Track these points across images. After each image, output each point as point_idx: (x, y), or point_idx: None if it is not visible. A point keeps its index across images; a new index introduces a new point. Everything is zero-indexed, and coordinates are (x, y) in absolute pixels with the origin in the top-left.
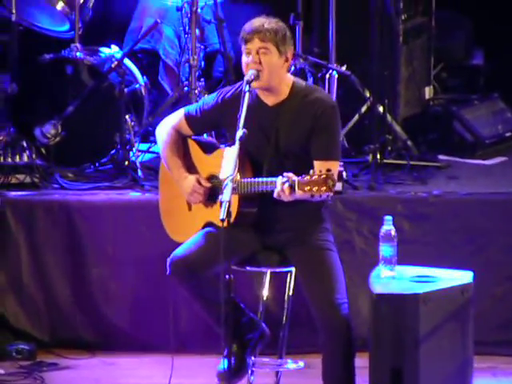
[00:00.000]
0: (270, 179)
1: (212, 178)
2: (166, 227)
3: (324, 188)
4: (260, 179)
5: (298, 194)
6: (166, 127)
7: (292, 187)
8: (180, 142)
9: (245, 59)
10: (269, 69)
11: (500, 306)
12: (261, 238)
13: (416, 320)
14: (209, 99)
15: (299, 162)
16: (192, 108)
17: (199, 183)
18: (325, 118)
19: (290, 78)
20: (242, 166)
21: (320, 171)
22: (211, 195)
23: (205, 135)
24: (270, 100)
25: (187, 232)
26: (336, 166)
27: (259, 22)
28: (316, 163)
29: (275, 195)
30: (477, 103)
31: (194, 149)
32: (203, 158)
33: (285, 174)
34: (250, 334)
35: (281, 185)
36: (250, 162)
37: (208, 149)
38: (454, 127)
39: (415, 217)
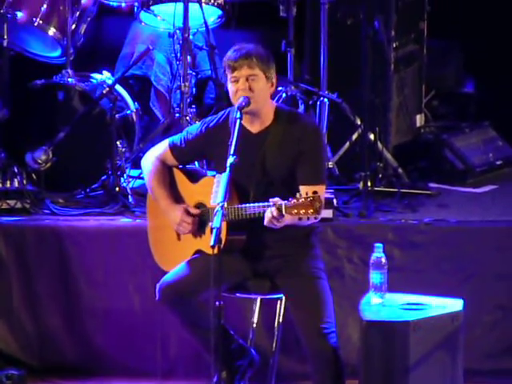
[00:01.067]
0: (255, 204)
1: (199, 206)
2: (155, 256)
3: (311, 210)
4: (246, 205)
5: (286, 218)
6: (151, 158)
7: (280, 211)
8: (166, 171)
9: (232, 87)
10: (259, 95)
11: (490, 335)
12: (251, 265)
13: (406, 348)
14: (192, 129)
15: (285, 187)
16: (176, 138)
17: (187, 213)
18: (309, 143)
19: (273, 104)
20: (228, 193)
21: (306, 193)
22: (200, 224)
23: (196, 164)
24: (254, 127)
25: (176, 261)
26: (322, 190)
27: (242, 49)
28: (302, 188)
29: (266, 223)
30: (468, 131)
31: (180, 178)
32: (189, 186)
33: (271, 199)
34: (239, 360)
35: (269, 211)
36: (236, 190)
37: (194, 177)
38: (445, 155)
39: (405, 244)
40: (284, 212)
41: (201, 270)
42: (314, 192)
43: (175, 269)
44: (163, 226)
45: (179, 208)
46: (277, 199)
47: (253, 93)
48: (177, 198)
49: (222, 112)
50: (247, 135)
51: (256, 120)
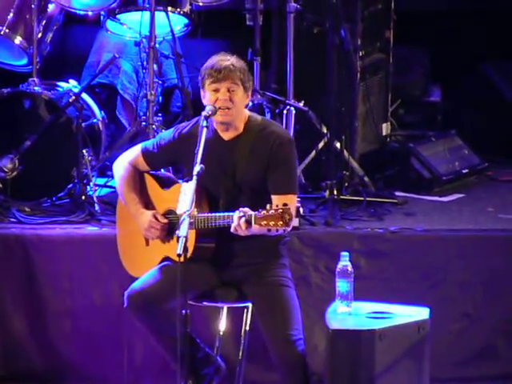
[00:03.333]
0: (226, 214)
1: (169, 212)
2: (124, 262)
3: (280, 222)
4: (217, 214)
5: (255, 228)
6: (123, 162)
7: (249, 222)
8: (137, 177)
9: (211, 96)
10: (237, 106)
11: (456, 343)
12: (218, 273)
13: (372, 356)
14: (165, 135)
15: (256, 196)
16: (149, 143)
17: (156, 219)
18: (281, 152)
19: (246, 113)
20: (198, 200)
21: (276, 206)
22: (168, 230)
23: (162, 170)
24: (226, 135)
25: (145, 267)
26: (293, 200)
27: (226, 60)
28: (274, 197)
29: (232, 230)
30: (434, 140)
31: (151, 184)
32: (160, 192)
33: (241, 209)
34: (205, 369)
35: (237, 219)
36: (206, 197)
37: (165, 184)
38: (411, 163)
39: (372, 253)
40: (253, 223)
41: (168, 279)
42: (285, 204)
43: (143, 276)
44: (132, 232)
45: (148, 214)
46: (246, 209)
47: (232, 104)
48: (147, 204)
49: (195, 119)
50: (219, 142)
51: (229, 128)
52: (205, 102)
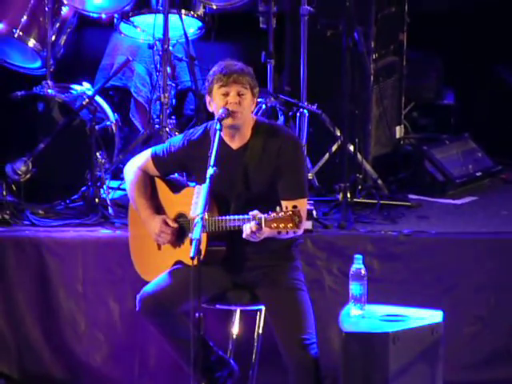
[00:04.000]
0: (238, 216)
1: (180, 216)
2: (136, 266)
3: (290, 225)
4: (226, 217)
5: (266, 231)
6: (133, 167)
7: (259, 225)
8: (147, 181)
9: (220, 101)
10: (246, 110)
11: (470, 346)
12: (231, 276)
13: (385, 359)
14: (175, 141)
15: (266, 200)
16: (159, 149)
17: (166, 224)
18: (289, 155)
19: (253, 118)
20: (209, 205)
21: (286, 208)
22: (179, 234)
23: (176, 175)
24: (234, 143)
25: (157, 271)
26: (304, 204)
27: (235, 65)
28: (283, 203)
29: (245, 236)
30: (447, 143)
31: (162, 188)
32: (171, 197)
33: (250, 212)
34: (218, 372)
35: (248, 225)
36: (216, 202)
37: (176, 188)
38: (425, 166)
39: (385, 256)
40: (263, 226)
41: (181, 282)
42: (294, 206)
43: (156, 280)
44: (144, 236)
45: (158, 219)
46: (256, 212)
47: (242, 108)
48: (158, 208)
49: (203, 126)
50: (228, 151)
51: (237, 135)
52: (211, 108)
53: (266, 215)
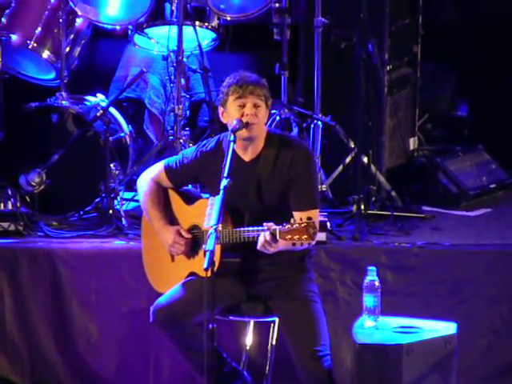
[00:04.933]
0: (252, 228)
1: (194, 228)
2: (150, 278)
3: (305, 236)
4: (240, 228)
5: (281, 243)
6: (147, 179)
7: (274, 236)
8: (161, 193)
9: (236, 113)
10: (261, 121)
11: (483, 358)
12: (245, 288)
13: (399, 371)
14: (188, 153)
15: (279, 212)
16: (172, 161)
17: (180, 235)
18: (301, 166)
19: (265, 129)
20: (223, 216)
21: (301, 219)
22: (193, 246)
23: (190, 186)
24: (247, 155)
25: (170, 283)
26: (315, 215)
27: (250, 76)
28: (295, 214)
29: (259, 247)
30: (461, 154)
31: (175, 199)
32: (184, 208)
33: (265, 224)
34: (232, 383)
35: (263, 236)
36: (230, 213)
37: (189, 199)
38: (439, 178)
39: (399, 267)
40: (278, 237)
41: (195, 293)
42: (309, 218)
43: (169, 291)
44: (157, 247)
45: (172, 229)
46: (271, 224)
47: (258, 119)
48: (171, 220)
49: (216, 137)
50: (240, 163)
51: (249, 147)
52: (225, 119)
53: (280, 227)
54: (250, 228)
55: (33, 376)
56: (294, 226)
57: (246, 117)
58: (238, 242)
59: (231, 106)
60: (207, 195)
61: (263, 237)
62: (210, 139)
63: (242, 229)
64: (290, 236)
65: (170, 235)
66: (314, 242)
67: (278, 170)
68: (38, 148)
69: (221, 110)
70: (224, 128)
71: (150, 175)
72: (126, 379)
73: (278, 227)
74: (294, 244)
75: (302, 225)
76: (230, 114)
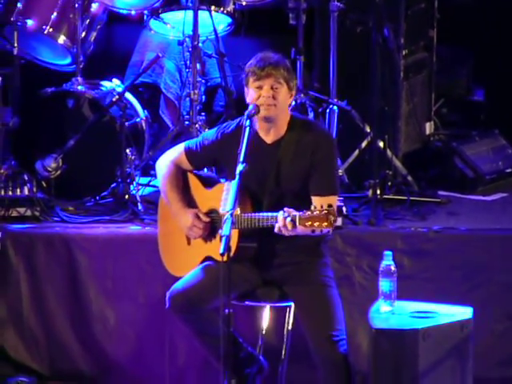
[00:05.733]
0: (270, 214)
1: (212, 212)
2: (165, 262)
3: (325, 223)
4: (260, 214)
5: (299, 229)
6: (166, 161)
7: (293, 222)
8: (180, 175)
9: (254, 94)
10: (281, 104)
11: (500, 343)
12: (260, 273)
13: (415, 355)
14: (209, 134)
15: (299, 197)
16: (192, 143)
17: (198, 218)
18: (323, 151)
19: (288, 113)
20: (242, 201)
21: (321, 206)
22: (211, 229)
23: (205, 169)
24: (269, 137)
25: (186, 267)
26: (334, 201)
27: (270, 58)
28: (314, 199)
29: (276, 230)
30: (477, 139)
31: (194, 183)
32: (203, 192)
33: (285, 209)
34: (248, 368)
35: (282, 220)
36: (250, 198)
37: (208, 183)
38: (455, 163)
39: (415, 252)
40: (298, 224)
41: (211, 279)
42: (329, 205)
43: (185, 277)
44: (174, 231)
45: (191, 212)
46: (291, 210)
47: (276, 101)
48: (190, 203)
49: (237, 120)
50: (262, 145)
51: (272, 129)
52: (248, 99)
53: (300, 213)
54: (270, 214)
55: (50, 362)
56: (315, 213)
57: (261, 99)
58: (256, 227)
59: (251, 87)
60: (225, 180)
61: (282, 221)
62: (231, 121)
63: (260, 215)
64: (310, 223)
65: (189, 218)
66: (332, 230)
67: (300, 155)
68: (54, 133)
69: (245, 90)
70: (240, 112)
71: (169, 157)
72: (142, 364)
73: (297, 213)
74: (313, 231)
75: (323, 212)
76: (249, 95)
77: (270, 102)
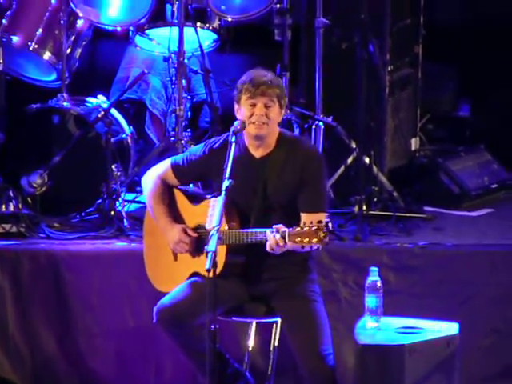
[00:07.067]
0: (257, 230)
1: (199, 228)
2: (151, 277)
3: (315, 240)
4: (247, 230)
5: (289, 244)
6: (152, 176)
7: (283, 238)
8: (166, 191)
9: (247, 111)
10: (273, 121)
11: (486, 358)
12: (247, 288)
13: (401, 371)
14: (196, 150)
15: (286, 213)
16: (179, 158)
17: (185, 233)
18: (311, 170)
19: (278, 129)
20: (229, 216)
21: (311, 222)
22: (198, 245)
23: (191, 185)
24: (257, 152)
25: (173, 282)
26: (323, 218)
27: (264, 76)
28: (304, 215)
29: (268, 249)
30: (463, 155)
31: (181, 199)
32: (190, 208)
33: (274, 226)
34: None
35: (273, 238)
36: (237, 213)
37: (195, 199)
38: (440, 178)
39: (401, 268)
40: (287, 240)
41: (198, 294)
42: (319, 221)
43: (173, 292)
44: (160, 246)
45: (178, 227)
46: (280, 226)
47: (268, 120)
48: (176, 218)
49: (226, 134)
50: (250, 159)
51: (261, 145)
52: (239, 116)
53: (290, 229)
54: (258, 230)
55: (35, 378)
56: (304, 229)
57: (254, 116)
58: (244, 243)
59: (243, 104)
60: (210, 195)
61: (273, 239)
62: (219, 137)
63: (248, 231)
64: (299, 239)
65: (176, 233)
66: (322, 246)
67: (288, 170)
68: (40, 149)
69: (236, 106)
70: (226, 128)
71: (155, 173)
72: (128, 380)
73: (287, 230)
74: (303, 247)
75: (313, 228)
76: (241, 112)
77: (264, 120)
